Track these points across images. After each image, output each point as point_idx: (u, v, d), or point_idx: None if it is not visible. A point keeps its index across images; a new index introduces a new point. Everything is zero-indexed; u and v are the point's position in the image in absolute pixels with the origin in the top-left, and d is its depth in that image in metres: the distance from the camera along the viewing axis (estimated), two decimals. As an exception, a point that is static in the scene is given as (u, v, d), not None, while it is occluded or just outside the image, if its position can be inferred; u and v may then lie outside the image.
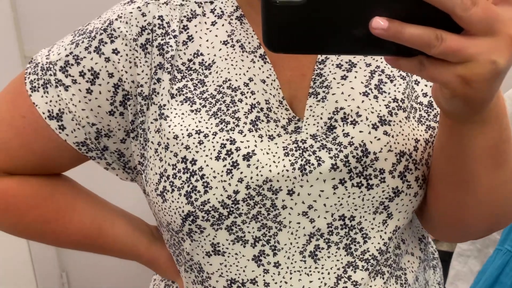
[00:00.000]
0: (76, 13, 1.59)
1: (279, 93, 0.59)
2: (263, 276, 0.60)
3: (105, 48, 0.60)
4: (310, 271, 0.60)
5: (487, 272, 1.19)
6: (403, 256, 0.64)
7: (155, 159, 0.60)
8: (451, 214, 0.60)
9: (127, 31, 0.60)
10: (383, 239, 0.60)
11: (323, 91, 0.59)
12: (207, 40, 0.61)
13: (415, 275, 0.65)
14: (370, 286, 0.61)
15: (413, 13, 0.38)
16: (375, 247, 0.60)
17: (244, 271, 0.60)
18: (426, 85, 0.61)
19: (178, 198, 0.57)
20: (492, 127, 0.48)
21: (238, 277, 0.60)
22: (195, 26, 0.61)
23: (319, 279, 0.60)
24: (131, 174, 0.68)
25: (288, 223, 0.58)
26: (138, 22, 0.61)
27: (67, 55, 0.62)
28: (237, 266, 0.60)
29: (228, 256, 0.60)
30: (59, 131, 0.63)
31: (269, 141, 0.58)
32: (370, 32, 0.38)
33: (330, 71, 0.60)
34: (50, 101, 0.62)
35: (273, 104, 0.59)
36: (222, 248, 0.59)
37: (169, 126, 0.59)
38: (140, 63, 0.60)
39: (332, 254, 0.59)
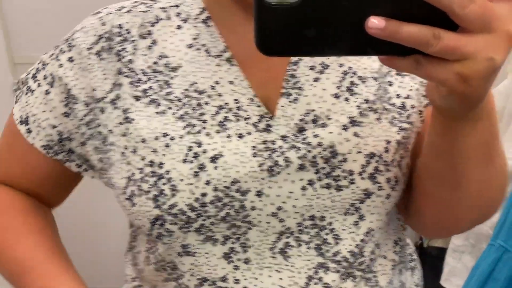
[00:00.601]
0: (65, 20, 1.59)
1: (249, 92, 0.59)
2: (233, 273, 0.60)
3: (63, 55, 0.63)
4: (280, 268, 0.60)
5: (480, 268, 1.20)
6: (376, 260, 0.64)
7: (122, 163, 0.60)
8: (442, 212, 0.60)
9: (83, 41, 0.62)
10: (355, 241, 0.60)
11: (296, 92, 0.59)
12: (172, 43, 0.61)
13: (388, 277, 0.65)
14: None
15: (409, 11, 0.37)
16: (346, 249, 0.60)
17: (215, 269, 0.60)
18: (399, 87, 0.61)
19: (146, 202, 0.58)
20: (484, 123, 0.48)
21: (209, 276, 0.60)
22: (158, 30, 0.62)
23: (289, 277, 0.60)
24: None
25: (258, 223, 0.58)
26: (96, 31, 0.63)
27: (38, 63, 0.67)
28: (208, 265, 0.60)
29: (199, 256, 0.60)
30: (27, 134, 0.65)
31: (237, 140, 0.58)
32: (366, 32, 0.37)
33: (303, 73, 0.60)
34: (22, 107, 0.66)
35: (243, 102, 0.59)
36: (193, 249, 0.59)
37: (136, 129, 0.59)
38: (93, 68, 0.62)
39: (303, 253, 0.59)
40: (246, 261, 0.59)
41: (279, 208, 0.58)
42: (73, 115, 0.63)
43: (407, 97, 0.61)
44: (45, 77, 0.64)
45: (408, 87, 0.61)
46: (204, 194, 0.56)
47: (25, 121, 0.65)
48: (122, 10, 0.63)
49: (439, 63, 0.38)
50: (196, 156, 0.57)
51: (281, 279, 0.59)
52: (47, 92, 0.64)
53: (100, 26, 0.62)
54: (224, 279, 0.60)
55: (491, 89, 0.47)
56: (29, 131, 0.65)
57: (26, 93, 0.66)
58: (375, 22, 0.37)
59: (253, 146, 0.58)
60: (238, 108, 0.59)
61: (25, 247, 0.66)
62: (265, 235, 0.59)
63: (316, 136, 0.57)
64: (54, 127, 0.64)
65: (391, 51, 0.39)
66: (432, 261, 1.58)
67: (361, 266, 0.61)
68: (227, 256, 0.59)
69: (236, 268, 0.59)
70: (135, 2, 0.64)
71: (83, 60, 0.62)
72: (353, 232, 0.59)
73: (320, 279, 0.59)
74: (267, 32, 0.39)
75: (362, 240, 0.60)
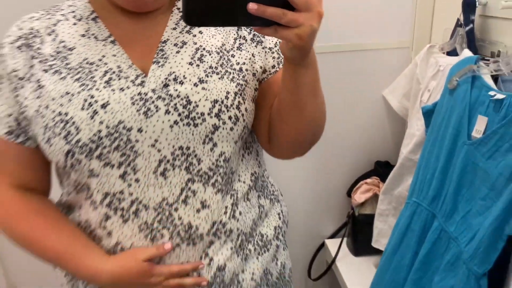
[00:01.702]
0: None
1: (128, 61, 0.86)
2: (128, 188, 0.85)
3: (1, 51, 0.88)
4: (162, 185, 0.86)
5: (400, 223, 1.33)
6: (234, 180, 0.93)
7: (37, 117, 0.84)
8: (292, 132, 0.89)
9: (7, 41, 0.88)
10: (211, 161, 0.88)
11: (163, 61, 0.87)
12: (69, 33, 0.88)
13: (243, 195, 0.95)
14: (204, 192, 0.88)
15: (270, 0, 0.65)
16: (206, 166, 0.88)
17: (113, 186, 0.85)
18: (239, 57, 0.92)
19: (59, 141, 0.82)
20: (312, 68, 0.79)
21: (110, 191, 0.86)
22: (59, 27, 0.88)
23: (168, 190, 0.86)
24: None
25: (142, 152, 0.84)
26: (15, 34, 0.88)
27: None
28: (108, 183, 0.85)
29: (102, 177, 0.85)
30: None
31: (120, 92, 0.84)
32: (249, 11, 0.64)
33: (169, 48, 0.88)
34: None
35: (123, 67, 0.86)
36: (97, 172, 0.84)
37: (47, 91, 0.83)
38: (16, 56, 0.86)
39: (177, 173, 0.86)
40: (137, 180, 0.85)
41: (156, 141, 0.84)
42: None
43: (243, 63, 0.93)
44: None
45: (244, 57, 0.93)
46: (99, 131, 0.82)
47: None
48: (33, 18, 0.90)
49: (286, 29, 0.67)
50: (90, 105, 0.82)
51: (163, 192, 0.85)
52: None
53: (17, 30, 0.86)
54: (121, 192, 0.85)
55: (313, 48, 0.76)
56: None
57: None
58: (253, 6, 0.64)
59: (131, 97, 0.84)
60: (120, 71, 0.85)
61: (54, 239, 0.88)
62: (148, 162, 0.85)
63: (176, 90, 0.85)
64: (10, 115, 0.86)
65: (262, 23, 0.67)
66: (364, 228, 1.74)
67: (220, 179, 0.89)
68: (122, 177, 0.84)
69: (130, 185, 0.85)
70: (42, 14, 0.90)
71: (10, 51, 0.85)
72: (210, 155, 0.86)
73: (189, 188, 0.86)
74: (191, 9, 0.64)
75: (216, 160, 0.87)
